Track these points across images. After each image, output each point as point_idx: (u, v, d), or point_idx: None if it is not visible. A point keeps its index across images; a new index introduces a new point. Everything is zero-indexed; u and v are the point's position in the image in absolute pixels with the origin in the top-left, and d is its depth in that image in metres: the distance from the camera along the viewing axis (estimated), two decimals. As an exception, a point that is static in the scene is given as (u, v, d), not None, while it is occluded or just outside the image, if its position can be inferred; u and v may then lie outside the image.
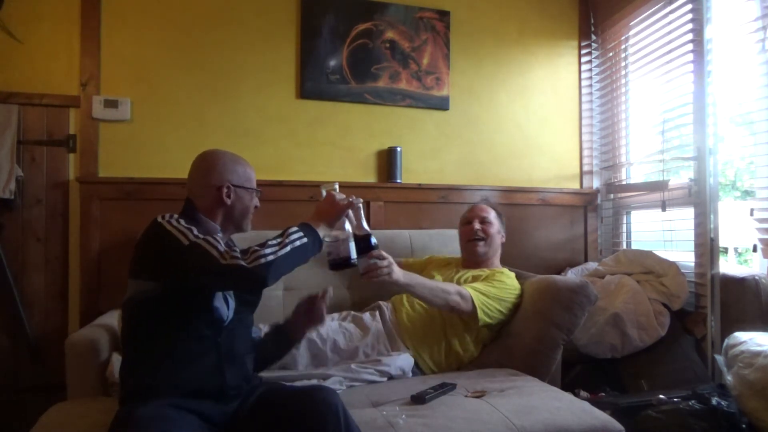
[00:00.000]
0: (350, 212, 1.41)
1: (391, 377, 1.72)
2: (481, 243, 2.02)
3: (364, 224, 1.47)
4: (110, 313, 1.94)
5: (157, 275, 1.22)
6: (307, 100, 2.49)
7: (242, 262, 1.14)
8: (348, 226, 1.40)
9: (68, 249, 2.20)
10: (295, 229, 1.25)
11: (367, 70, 2.56)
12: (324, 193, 1.41)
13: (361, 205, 1.44)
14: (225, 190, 1.35)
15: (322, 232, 1.32)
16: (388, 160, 2.55)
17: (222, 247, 1.17)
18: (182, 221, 1.23)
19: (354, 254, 1.40)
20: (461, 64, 2.72)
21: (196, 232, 1.20)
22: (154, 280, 1.22)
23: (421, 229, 2.50)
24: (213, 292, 1.26)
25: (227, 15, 2.41)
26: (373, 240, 1.50)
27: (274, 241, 1.20)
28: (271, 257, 1.16)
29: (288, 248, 1.20)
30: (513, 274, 1.99)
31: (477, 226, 2.03)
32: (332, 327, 1.80)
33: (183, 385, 1.18)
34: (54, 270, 2.19)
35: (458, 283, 1.90)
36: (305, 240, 1.24)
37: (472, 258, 2.05)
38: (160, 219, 1.24)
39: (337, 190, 1.40)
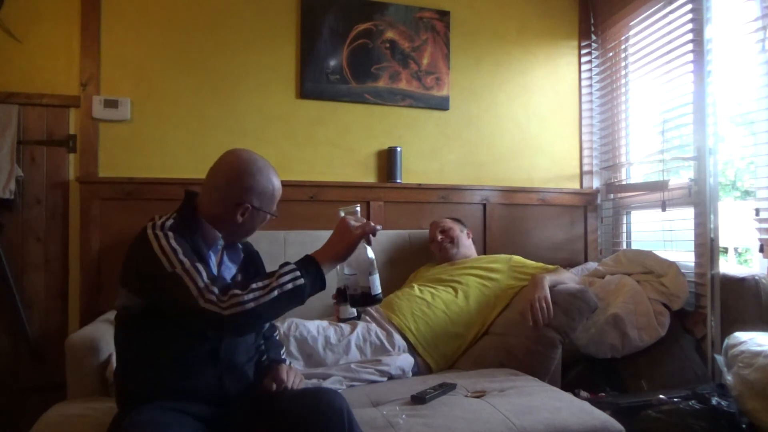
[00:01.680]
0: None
1: (391, 377, 1.72)
2: (450, 245, 2.22)
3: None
4: (110, 313, 1.93)
5: (141, 295, 1.15)
6: (307, 100, 2.49)
7: (217, 309, 1.04)
8: (371, 253, 1.19)
9: (68, 249, 2.20)
10: (290, 267, 1.10)
11: (367, 70, 2.56)
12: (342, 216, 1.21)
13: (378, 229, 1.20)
14: (241, 209, 1.22)
15: (328, 268, 1.14)
16: (388, 160, 2.55)
17: (203, 281, 1.06)
18: (171, 237, 1.12)
19: (378, 288, 1.19)
20: (461, 64, 2.72)
21: (181, 255, 1.09)
22: (140, 297, 1.16)
23: (421, 229, 2.50)
24: None
25: (227, 15, 2.41)
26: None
27: (259, 284, 1.07)
28: (250, 305, 1.04)
29: (275, 293, 1.06)
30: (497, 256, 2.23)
31: (439, 237, 2.24)
32: (322, 324, 1.82)
33: (180, 395, 1.16)
34: (54, 270, 2.19)
35: (455, 276, 2.07)
36: (300, 282, 1.08)
37: (447, 260, 2.22)
38: (149, 231, 1.13)
39: (358, 214, 1.21)
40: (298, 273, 1.09)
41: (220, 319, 1.04)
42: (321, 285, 1.13)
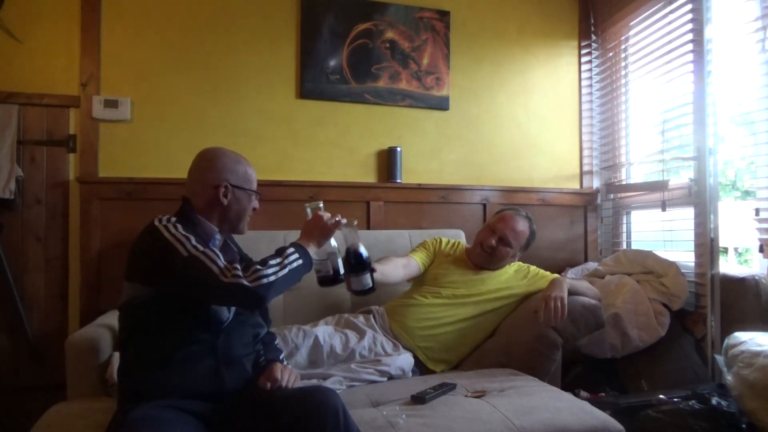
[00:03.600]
0: (344, 229, 1.45)
1: (391, 377, 1.72)
2: (487, 256, 1.99)
3: (361, 245, 1.51)
4: (110, 313, 1.94)
5: (154, 282, 1.21)
6: (307, 100, 2.49)
7: (244, 282, 1.15)
8: (333, 242, 1.41)
9: (68, 249, 2.20)
10: (291, 250, 1.27)
11: (367, 70, 2.56)
12: (309, 212, 1.41)
13: (356, 223, 1.48)
14: (222, 190, 1.32)
15: (311, 252, 1.33)
16: (388, 160, 2.55)
17: (222, 262, 1.18)
18: (180, 227, 1.22)
19: (342, 269, 1.42)
20: (461, 64, 2.72)
21: (194, 241, 1.19)
22: (151, 286, 1.21)
23: (421, 229, 2.50)
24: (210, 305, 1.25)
25: (227, 15, 2.41)
26: (365, 254, 1.50)
27: (275, 261, 1.22)
28: (272, 278, 1.18)
29: (287, 270, 1.22)
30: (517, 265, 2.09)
31: (493, 243, 1.97)
32: (328, 331, 1.78)
33: (180, 389, 1.18)
34: (54, 270, 2.18)
35: (473, 296, 1.94)
36: (300, 262, 1.26)
37: (475, 261, 2.03)
38: (157, 223, 1.23)
39: (322, 208, 1.41)
40: (297, 255, 1.26)
41: (247, 290, 1.15)
42: (310, 266, 1.32)
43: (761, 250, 2.05)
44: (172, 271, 1.18)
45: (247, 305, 1.27)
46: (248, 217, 1.40)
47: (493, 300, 1.94)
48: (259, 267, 1.19)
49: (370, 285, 1.56)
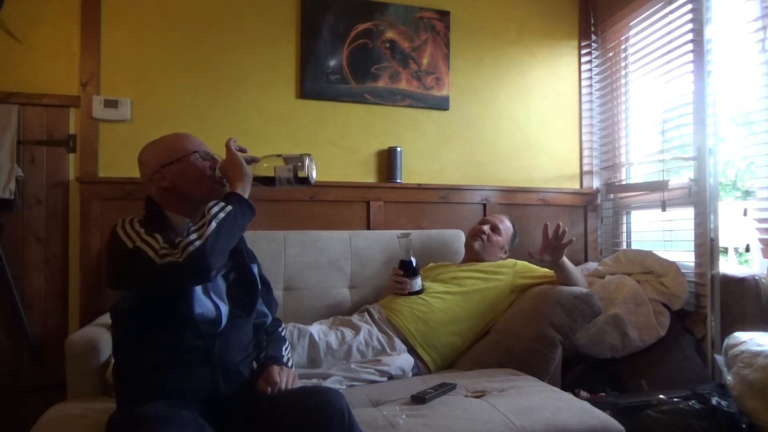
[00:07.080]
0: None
1: (391, 377, 1.72)
2: (479, 242, 2.17)
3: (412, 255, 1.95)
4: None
5: (120, 285, 1.20)
6: (307, 100, 2.49)
7: (173, 258, 1.09)
8: (242, 161, 1.28)
9: (68, 249, 2.20)
10: (215, 202, 1.17)
11: (367, 70, 2.56)
12: (218, 172, 1.30)
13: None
14: (157, 176, 1.29)
15: (245, 191, 1.23)
16: (388, 160, 2.55)
17: (158, 243, 1.12)
18: (136, 224, 1.19)
19: (296, 162, 1.32)
20: (461, 64, 2.72)
21: (143, 234, 1.15)
22: (123, 290, 1.20)
23: (421, 229, 2.50)
24: (177, 293, 1.19)
25: (227, 15, 2.41)
26: (415, 262, 1.97)
27: (197, 225, 1.13)
28: (198, 242, 1.09)
29: (213, 224, 1.12)
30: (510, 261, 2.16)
31: (486, 229, 2.19)
32: (323, 329, 1.81)
33: (175, 393, 1.16)
34: (54, 270, 2.18)
35: (457, 277, 2.06)
36: (229, 208, 1.16)
37: (469, 253, 2.21)
38: (118, 226, 1.20)
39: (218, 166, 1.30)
40: (223, 203, 1.18)
41: (179, 267, 1.09)
42: (249, 207, 1.22)
43: (747, 249, 2.08)
44: (123, 268, 1.15)
45: (189, 281, 1.17)
46: (209, 178, 1.30)
47: (479, 274, 2.04)
48: (181, 239, 1.11)
49: (420, 286, 1.97)
